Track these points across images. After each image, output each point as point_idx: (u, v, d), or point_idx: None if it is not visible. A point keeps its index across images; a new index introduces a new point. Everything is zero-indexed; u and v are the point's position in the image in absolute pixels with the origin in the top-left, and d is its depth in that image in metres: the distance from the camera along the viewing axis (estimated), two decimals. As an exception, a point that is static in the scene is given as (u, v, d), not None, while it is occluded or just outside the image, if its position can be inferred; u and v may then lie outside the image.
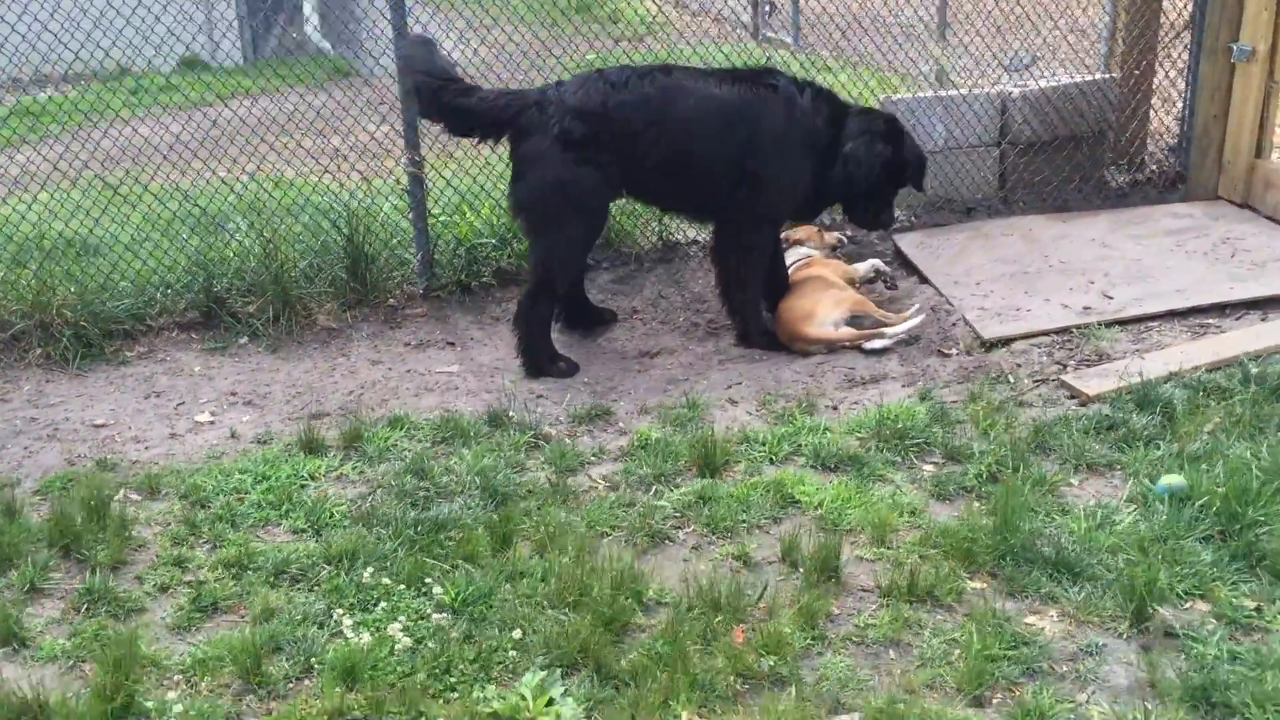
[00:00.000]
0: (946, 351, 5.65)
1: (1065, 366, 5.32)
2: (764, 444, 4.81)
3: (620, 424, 5.16)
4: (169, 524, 4.40)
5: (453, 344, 6.07)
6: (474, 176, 6.57)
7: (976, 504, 4.34)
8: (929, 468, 4.64)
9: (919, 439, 4.77)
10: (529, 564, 4.01)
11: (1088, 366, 5.29)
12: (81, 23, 7.18)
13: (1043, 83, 7.10)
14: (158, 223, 6.75)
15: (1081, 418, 4.85)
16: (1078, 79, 7.15)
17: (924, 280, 6.35)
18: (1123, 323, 5.64)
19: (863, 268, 6.42)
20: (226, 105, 9.60)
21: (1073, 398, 5.09)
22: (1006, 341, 5.60)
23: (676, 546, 4.21)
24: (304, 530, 4.35)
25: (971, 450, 4.64)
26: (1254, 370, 4.94)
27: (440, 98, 5.44)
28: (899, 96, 7.05)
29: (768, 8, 14.93)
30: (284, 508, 4.48)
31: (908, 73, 9.31)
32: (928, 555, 4.04)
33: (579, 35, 9.19)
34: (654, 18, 14.42)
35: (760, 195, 5.68)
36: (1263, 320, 5.57)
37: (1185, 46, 7.20)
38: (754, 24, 15.03)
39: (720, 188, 5.69)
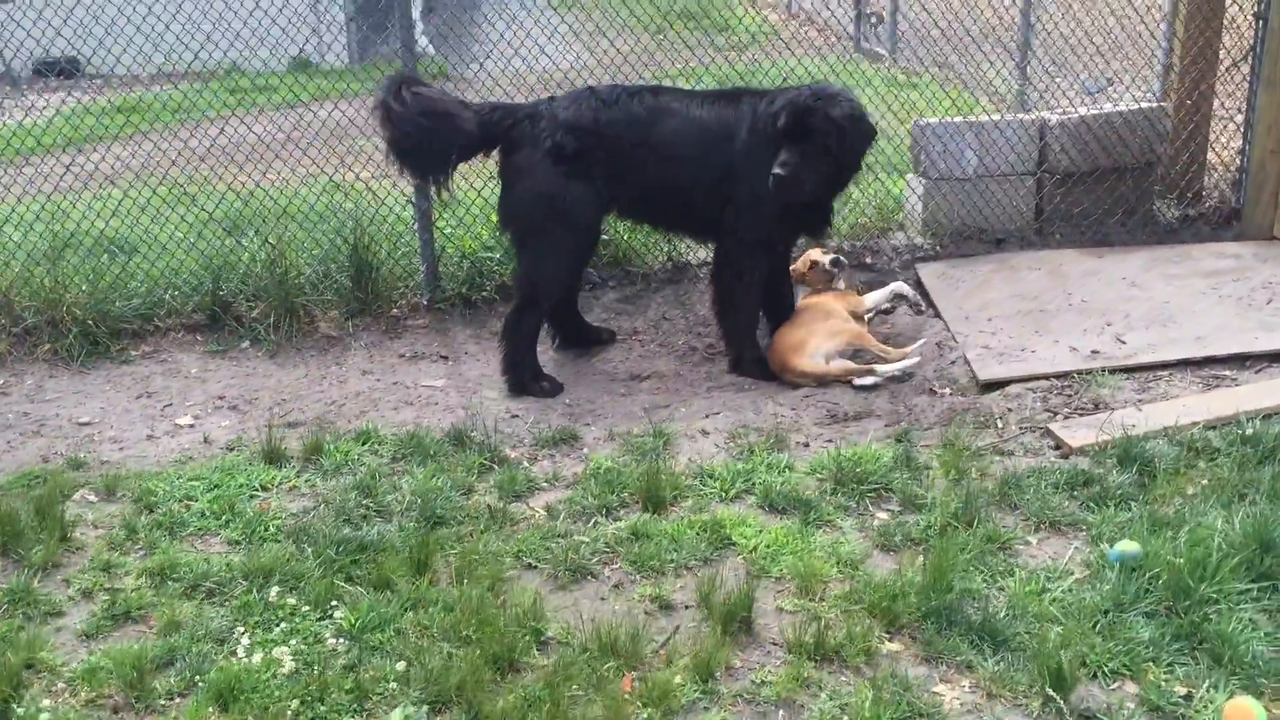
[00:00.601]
0: (939, 390, 5.42)
1: (1056, 414, 5.04)
2: (718, 480, 4.67)
3: (585, 449, 5.08)
4: (112, 527, 4.47)
5: (446, 357, 6.07)
6: (479, 190, 6.55)
7: (920, 558, 4.13)
8: (883, 515, 4.44)
9: (879, 484, 4.57)
10: (436, 593, 3.95)
11: (1080, 415, 5.01)
12: (201, 24, 7.46)
13: (1082, 110, 6.76)
14: (195, 224, 6.87)
15: (1057, 471, 4.58)
16: (1122, 107, 6.80)
17: (937, 313, 6.11)
18: (1130, 370, 5.33)
19: (880, 295, 6.19)
20: (308, 108, 9.77)
21: (1056, 448, 4.82)
22: (1003, 384, 5.34)
23: (598, 583, 4.10)
24: (238, 542, 4.37)
25: (927, 500, 4.43)
26: (1250, 430, 4.60)
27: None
28: (928, 120, 6.79)
29: (874, 19, 14.66)
30: (225, 518, 4.51)
31: (996, 90, 9.05)
32: (851, 611, 3.85)
33: (680, 44, 9.08)
34: (761, 27, 14.31)
35: (740, 217, 5.53)
36: (1284, 375, 5.21)
37: (1244, 77, 6.79)
38: (856, 35, 14.79)
39: (706, 210, 5.57)
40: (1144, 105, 6.81)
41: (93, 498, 4.73)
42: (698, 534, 4.30)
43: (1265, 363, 5.31)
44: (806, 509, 4.44)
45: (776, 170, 5.18)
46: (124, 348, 6.10)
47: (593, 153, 5.39)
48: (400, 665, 3.60)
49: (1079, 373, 5.30)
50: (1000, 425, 5.06)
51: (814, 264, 6.00)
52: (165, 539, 4.38)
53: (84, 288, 6.11)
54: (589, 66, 7.53)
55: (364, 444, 5.10)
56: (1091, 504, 4.38)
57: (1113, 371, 5.31)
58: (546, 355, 6.06)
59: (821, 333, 5.62)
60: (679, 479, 4.68)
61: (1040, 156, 6.84)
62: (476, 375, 5.84)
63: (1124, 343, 5.52)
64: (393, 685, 3.54)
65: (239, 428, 5.35)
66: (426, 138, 5.32)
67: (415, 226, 6.39)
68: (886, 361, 5.63)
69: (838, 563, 4.12)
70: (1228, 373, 5.29)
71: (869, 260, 6.70)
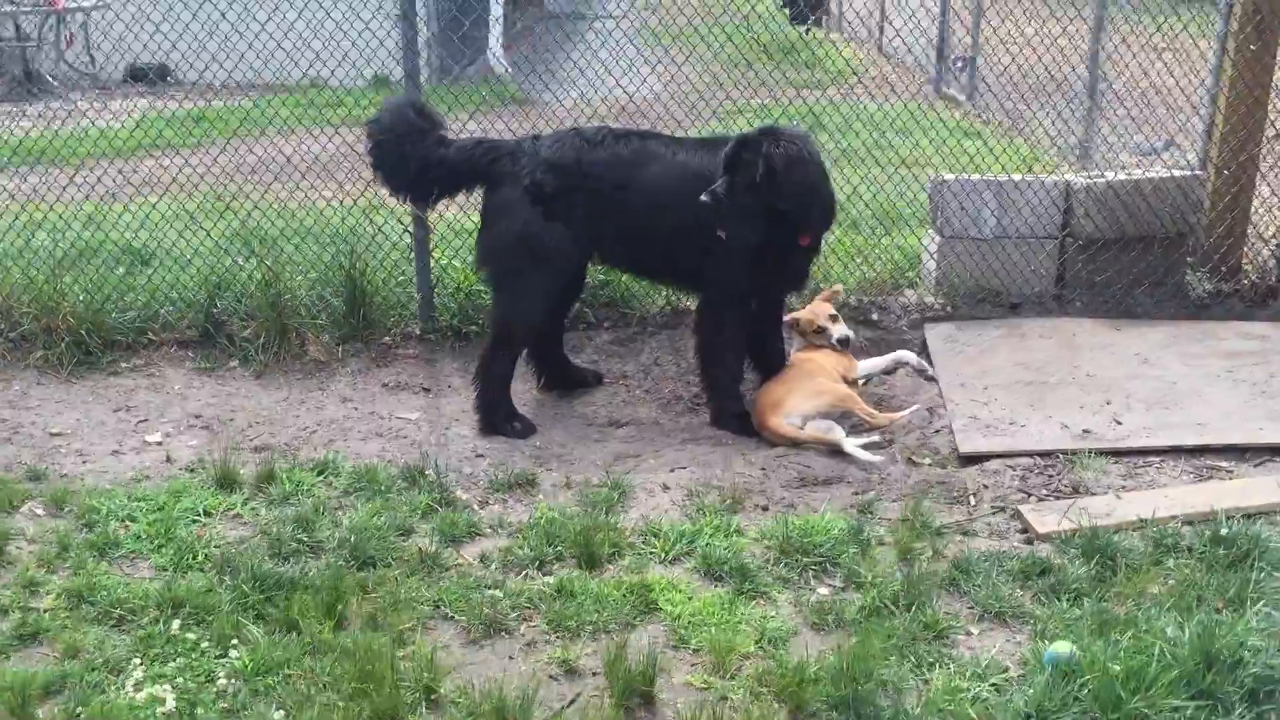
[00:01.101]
0: (918, 460, 5.20)
1: (1032, 495, 4.79)
2: (661, 540, 4.52)
3: (540, 496, 4.96)
4: (48, 544, 4.47)
5: (428, 390, 6.01)
6: (477, 221, 6.47)
7: (850, 640, 3.93)
8: (823, 591, 4.25)
9: (825, 557, 4.38)
10: (340, 639, 3.86)
11: (1056, 498, 4.76)
12: (283, 43, 7.59)
13: (1109, 175, 6.48)
14: (222, 240, 6.89)
15: (1015, 557, 4.34)
16: (1153, 174, 6.50)
17: (934, 378, 5.88)
18: (1120, 453, 5.05)
19: (879, 362, 5.94)
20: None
21: (1023, 532, 4.58)
22: (983, 458, 5.10)
23: (511, 641, 3.98)
24: (165, 569, 4.34)
25: (868, 578, 4.22)
26: (1226, 530, 4.31)
27: (416, 148, 5.35)
28: (947, 176, 6.57)
29: (959, 63, 14.38)
30: (158, 542, 4.49)
31: (1057, 145, 8.79)
32: (759, 693, 3.67)
33: (755, 80, 8.97)
34: (848, 65, 14.12)
35: (719, 268, 5.38)
36: (1285, 470, 4.89)
37: (1288, 148, 6.46)
38: (936, 78, 14.53)
39: (687, 258, 5.44)
40: (1177, 173, 6.50)
41: (40, 511, 4.75)
42: (624, 596, 4.16)
43: (1267, 456, 5.00)
44: (743, 578, 4.27)
45: (702, 196, 5.05)
46: (115, 360, 6.16)
47: (572, 194, 5.30)
48: (279, 715, 3.51)
49: (1065, 452, 5.05)
50: (973, 502, 4.83)
51: (815, 325, 5.79)
52: (94, 560, 4.36)
53: (81, 297, 6.16)
54: (659, 96, 7.38)
55: (320, 474, 5.05)
56: (1044, 596, 4.13)
57: (1101, 454, 5.04)
58: (529, 395, 5.97)
59: (802, 393, 5.43)
60: (621, 536, 4.54)
61: (1064, 220, 6.56)
62: (454, 410, 5.77)
63: (1120, 423, 5.24)
64: (273, 741, 3.46)
65: (206, 449, 5.34)
66: (400, 151, 5.27)
67: (413, 255, 6.35)
68: (874, 426, 5.43)
69: (761, 639, 3.94)
70: (1224, 464, 4.98)
71: (875, 317, 6.49)
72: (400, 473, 5.03)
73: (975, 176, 6.53)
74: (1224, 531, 4.29)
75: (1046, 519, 4.56)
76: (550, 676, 3.79)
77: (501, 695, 3.56)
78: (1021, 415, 5.37)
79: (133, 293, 6.37)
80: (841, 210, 7.04)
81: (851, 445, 5.26)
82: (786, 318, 5.88)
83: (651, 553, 4.47)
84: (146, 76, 14.60)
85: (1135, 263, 6.51)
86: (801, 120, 10.10)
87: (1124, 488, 4.82)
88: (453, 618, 4.07)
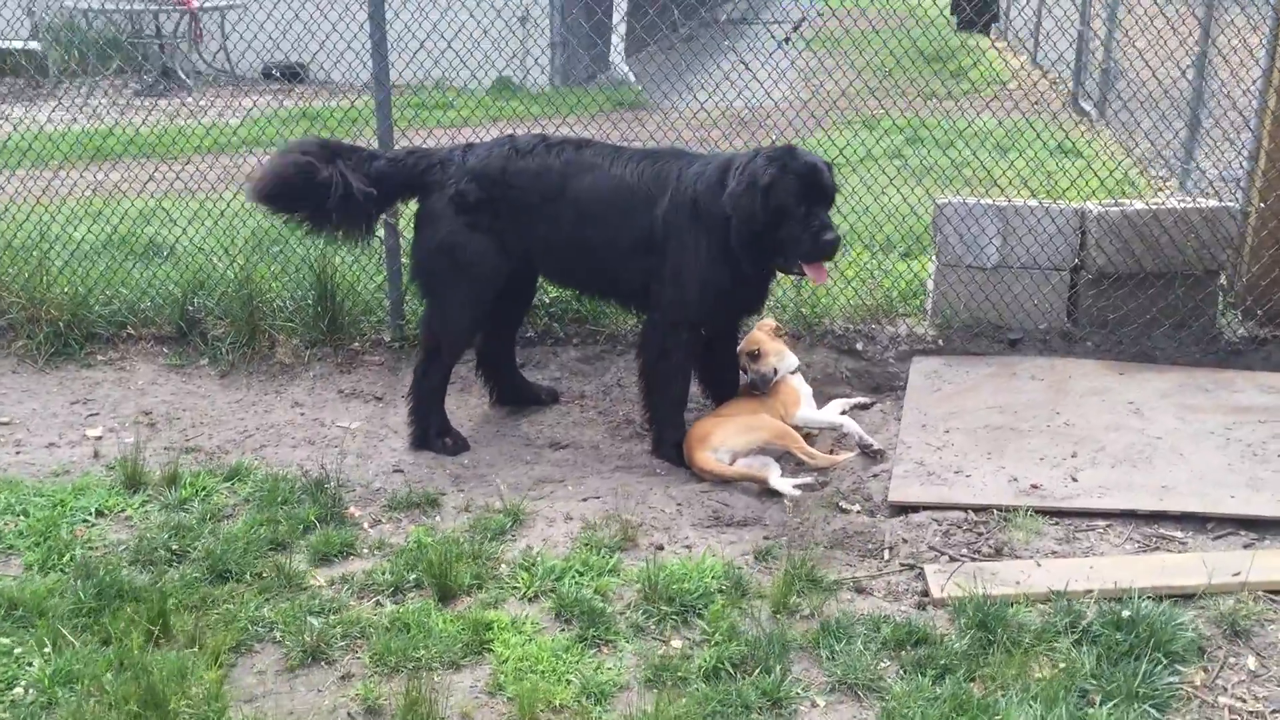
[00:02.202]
0: (846, 507, 4.81)
1: (945, 555, 4.37)
2: (530, 574, 4.30)
3: (438, 518, 4.80)
4: (-66, 534, 4.55)
5: (380, 399, 5.92)
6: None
7: (682, 700, 3.63)
8: (676, 644, 3.95)
9: (690, 607, 4.08)
10: (141, 657, 3.76)
11: (973, 559, 4.32)
12: (410, 43, 7.74)
13: (1125, 205, 5.91)
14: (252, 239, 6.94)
15: (894, 623, 3.95)
16: (1175, 204, 5.90)
17: (876, 453, 5.42)
18: (1064, 514, 4.57)
19: (819, 417, 5.38)
20: (469, 127, 9.85)
21: (924, 594, 4.18)
22: (913, 509, 4.68)
23: (328, 671, 3.83)
24: (33, 567, 4.36)
25: (713, 635, 3.90)
26: (1129, 613, 3.81)
27: (337, 167, 5.19)
28: (949, 199, 6.11)
29: (1094, 77, 13.61)
30: (38, 540, 4.51)
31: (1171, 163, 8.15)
32: (549, 752, 3.43)
33: (894, 90, 8.64)
34: (997, 76, 13.51)
35: (664, 291, 5.10)
36: (1245, 547, 4.33)
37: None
38: (1074, 91, 13.78)
39: (626, 277, 5.19)
40: (1203, 203, 5.89)
41: (-52, 501, 4.84)
42: (459, 633, 3.96)
43: (1231, 528, 4.44)
44: (594, 623, 4.01)
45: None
46: (92, 352, 6.29)
47: (497, 204, 5.11)
48: (48, 730, 3.45)
49: (1002, 509, 4.59)
50: (886, 557, 4.44)
51: (743, 353, 5.45)
52: (-36, 553, 4.42)
53: (64, 289, 6.31)
54: (789, 103, 7.09)
55: (228, 480, 5.02)
56: (909, 670, 3.74)
57: (1042, 513, 4.57)
58: (480, 409, 5.83)
59: (733, 427, 5.11)
60: (489, 567, 4.35)
61: (1080, 251, 6.03)
62: (397, 422, 5.66)
63: (1075, 480, 4.74)
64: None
65: (141, 445, 5.37)
66: (320, 181, 5.11)
67: (384, 262, 6.28)
68: (813, 467, 5.08)
69: (584, 692, 3.68)
70: (1179, 534, 4.45)
71: (860, 347, 6.09)
72: (305, 484, 4.94)
73: (978, 200, 6.04)
74: (1126, 614, 3.80)
75: (948, 582, 4.14)
76: (349, 714, 3.62)
77: (279, 731, 3.41)
78: (972, 464, 4.92)
79: (118, 288, 6.45)
80: (869, 231, 6.68)
81: (778, 480, 4.93)
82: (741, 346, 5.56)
83: (515, 588, 4.25)
84: (281, 75, 15.18)
85: (1154, 301, 5.92)
86: (900, 132, 9.70)
87: (1054, 553, 4.35)
88: (281, 641, 3.95)
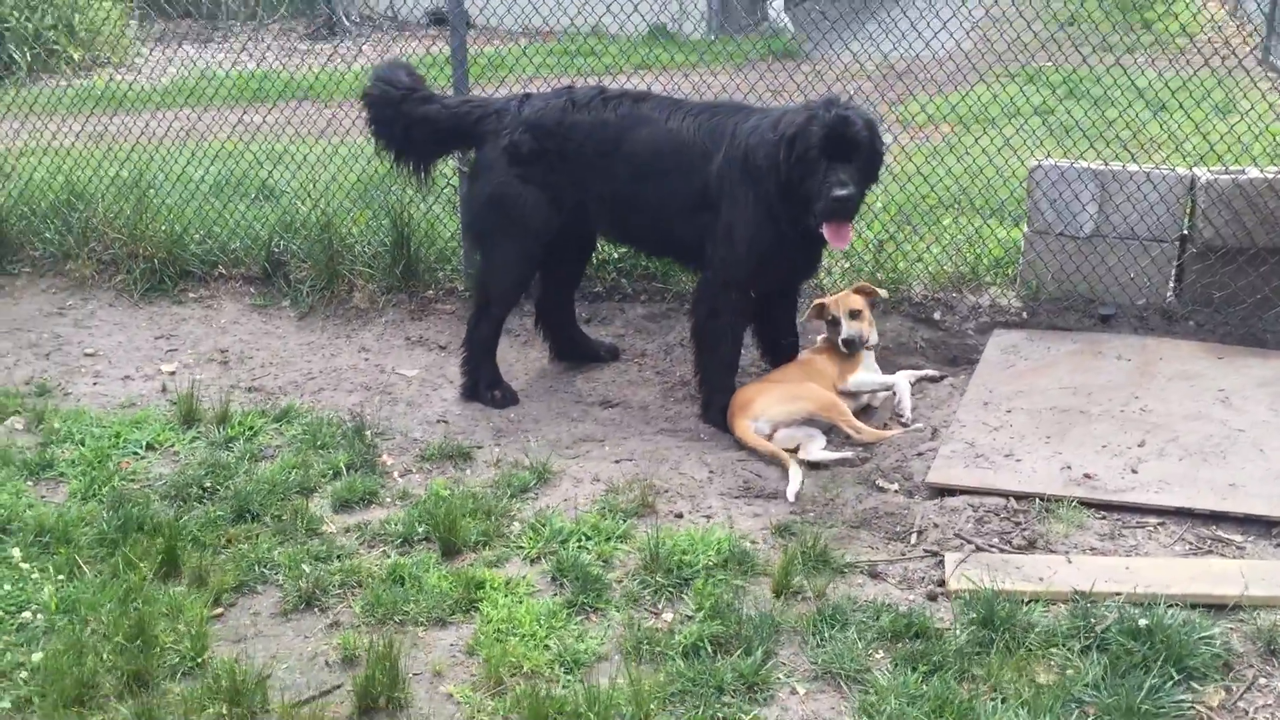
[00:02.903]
0: (884, 485, 4.59)
1: (973, 543, 4.11)
2: (537, 534, 4.25)
3: (467, 470, 4.80)
4: (-13, 460, 4.78)
5: (444, 348, 5.95)
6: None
7: (653, 676, 3.53)
8: (668, 616, 3.84)
9: (686, 580, 3.97)
10: (146, 590, 3.88)
11: (1002, 551, 4.06)
12: None
13: (1238, 173, 5.40)
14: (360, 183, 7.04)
15: (896, 612, 3.75)
16: (1297, 173, 5.37)
17: (965, 391, 5.18)
18: (1113, 508, 4.24)
19: (873, 380, 5.13)
20: (605, 74, 9.74)
21: (940, 584, 3.95)
22: (950, 492, 4.43)
23: (317, 618, 3.88)
24: (76, 495, 4.55)
25: (698, 611, 3.78)
26: (1146, 622, 3.50)
27: (402, 107, 5.23)
28: (1045, 161, 5.71)
29: (1285, 27, 12.62)
30: (86, 468, 4.70)
31: None
32: (505, 718, 3.39)
33: (1081, 40, 8.14)
34: (1188, 28, 12.67)
35: (716, 249, 4.93)
36: (1308, 557, 3.94)
37: None
38: (1265, 46, 12.80)
39: (682, 235, 5.04)
40: (1331, 173, 5.34)
41: (18, 425, 5.11)
42: (451, 589, 3.95)
43: (1300, 535, 4.05)
44: (588, 589, 3.94)
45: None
46: (185, 289, 6.51)
47: (550, 156, 5.02)
48: (38, 656, 3.59)
49: (1046, 498, 4.29)
50: (914, 541, 4.22)
51: (830, 315, 5.19)
52: (20, 477, 4.64)
53: (163, 228, 6.53)
54: (949, 55, 6.81)
55: (278, 421, 5.13)
56: (900, 663, 3.54)
57: (1090, 505, 4.25)
58: (537, 364, 5.80)
59: (775, 397, 4.92)
60: (500, 525, 4.32)
61: (1190, 222, 5.57)
62: (454, 372, 5.66)
63: (1134, 472, 4.39)
64: (23, 676, 3.54)
65: (206, 382, 5.55)
66: (390, 112, 5.17)
67: (458, 209, 6.28)
68: (859, 443, 4.87)
69: (560, 659, 3.62)
70: (1237, 537, 4.07)
71: (938, 316, 5.78)
72: (345, 431, 5.01)
73: (1075, 163, 5.63)
74: (1144, 622, 3.50)
75: (964, 574, 3.90)
76: (327, 663, 3.66)
77: (245, 674, 3.47)
78: (1026, 447, 4.62)
79: (211, 227, 6.64)
80: (983, 194, 6.29)
81: (816, 451, 4.75)
82: (814, 303, 5.34)
83: (520, 548, 4.21)
84: (442, 20, 15.37)
85: (1266, 279, 5.42)
86: (1058, 87, 9.15)
87: (1092, 549, 4.05)
88: (281, 584, 4.02)
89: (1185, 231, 5.58)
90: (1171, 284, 5.67)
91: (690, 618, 3.80)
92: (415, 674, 3.58)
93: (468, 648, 3.70)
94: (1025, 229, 5.82)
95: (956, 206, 6.48)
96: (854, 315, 5.17)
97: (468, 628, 3.81)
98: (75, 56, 12.61)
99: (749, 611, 3.78)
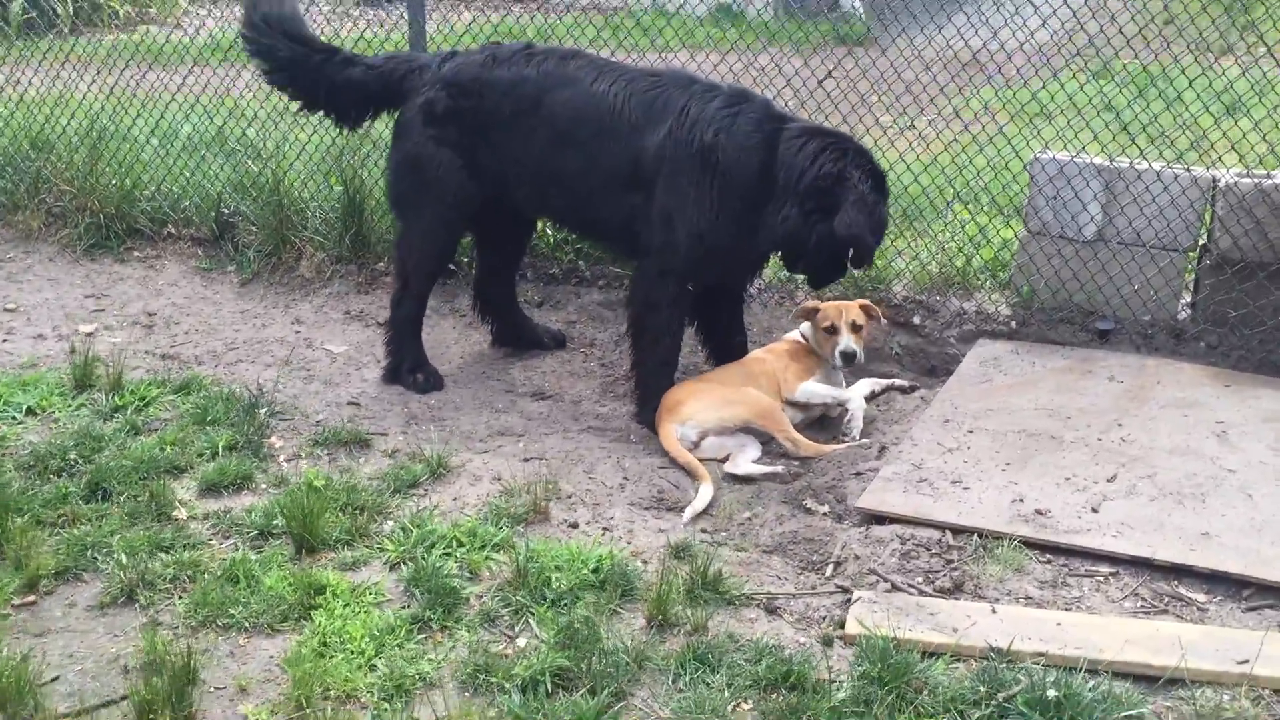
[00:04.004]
0: (813, 507, 4.06)
1: (889, 581, 3.57)
2: (408, 537, 3.80)
3: (361, 459, 4.37)
4: None
5: (382, 325, 5.51)
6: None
7: (490, 712, 3.07)
8: (522, 642, 3.37)
9: (549, 601, 3.49)
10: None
11: (923, 593, 3.52)
12: None
13: (1263, 177, 4.74)
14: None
15: (781, 658, 3.23)
16: (1328, 180, 4.70)
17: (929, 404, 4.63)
18: (1062, 551, 3.67)
19: (822, 391, 4.60)
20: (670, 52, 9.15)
21: (840, 625, 3.42)
22: (881, 519, 3.89)
23: (137, 614, 3.48)
24: (-76, 457, 4.22)
25: (539, 643, 3.30)
26: (1054, 694, 2.94)
27: (324, 70, 4.78)
28: (1044, 154, 5.10)
29: None
30: (-49, 432, 4.38)
31: None
32: (297, 747, 2.95)
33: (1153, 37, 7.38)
34: None
35: (652, 235, 4.44)
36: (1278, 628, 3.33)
37: None
38: None
39: (608, 215, 4.55)
40: (1366, 183, 4.66)
41: (-90, 381, 4.80)
42: (289, 592, 3.52)
43: (1272, 599, 3.43)
44: (440, 603, 3.48)
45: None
46: (131, 247, 6.18)
47: (465, 115, 4.56)
48: None
49: (986, 534, 3.73)
50: (829, 573, 3.69)
51: (829, 322, 4.63)
52: None
53: (114, 182, 6.21)
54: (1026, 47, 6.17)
55: (177, 393, 4.76)
56: (766, 718, 3.03)
57: (1035, 546, 3.68)
58: (477, 348, 5.35)
59: (711, 400, 4.40)
60: (374, 523, 3.88)
61: (1209, 230, 4.93)
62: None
63: (1095, 511, 3.81)
64: None
65: (118, 346, 5.20)
66: (312, 80, 4.76)
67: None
68: (796, 454, 4.34)
69: (380, 684, 3.17)
70: (1200, 597, 3.48)
71: (918, 321, 5.21)
72: (241, 406, 4.61)
73: (1077, 157, 5.01)
74: (1051, 694, 2.94)
75: (869, 617, 3.37)
76: (125, 668, 3.25)
77: (22, 675, 3.08)
78: (979, 474, 4.05)
79: (165, 184, 6.30)
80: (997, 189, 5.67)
81: (742, 463, 4.24)
82: (807, 303, 4.82)
83: (384, 550, 3.77)
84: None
85: (1290, 300, 4.77)
86: (1130, 84, 8.40)
87: (1027, 599, 3.49)
88: (110, 574, 3.62)
89: (1204, 241, 4.94)
90: (1183, 299, 5.03)
91: (532, 644, 3.33)
92: (218, 688, 3.17)
93: (286, 661, 3.27)
94: (1020, 229, 5.21)
95: (974, 202, 5.84)
96: (855, 329, 4.63)
97: (297, 638, 3.38)
98: (120, 12, 12.48)
99: (614, 643, 3.29)
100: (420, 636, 3.38)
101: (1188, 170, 4.89)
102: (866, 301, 4.79)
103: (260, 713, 3.07)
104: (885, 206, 4.29)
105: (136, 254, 6.16)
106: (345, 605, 3.47)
